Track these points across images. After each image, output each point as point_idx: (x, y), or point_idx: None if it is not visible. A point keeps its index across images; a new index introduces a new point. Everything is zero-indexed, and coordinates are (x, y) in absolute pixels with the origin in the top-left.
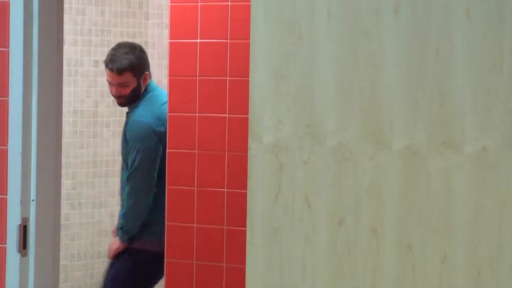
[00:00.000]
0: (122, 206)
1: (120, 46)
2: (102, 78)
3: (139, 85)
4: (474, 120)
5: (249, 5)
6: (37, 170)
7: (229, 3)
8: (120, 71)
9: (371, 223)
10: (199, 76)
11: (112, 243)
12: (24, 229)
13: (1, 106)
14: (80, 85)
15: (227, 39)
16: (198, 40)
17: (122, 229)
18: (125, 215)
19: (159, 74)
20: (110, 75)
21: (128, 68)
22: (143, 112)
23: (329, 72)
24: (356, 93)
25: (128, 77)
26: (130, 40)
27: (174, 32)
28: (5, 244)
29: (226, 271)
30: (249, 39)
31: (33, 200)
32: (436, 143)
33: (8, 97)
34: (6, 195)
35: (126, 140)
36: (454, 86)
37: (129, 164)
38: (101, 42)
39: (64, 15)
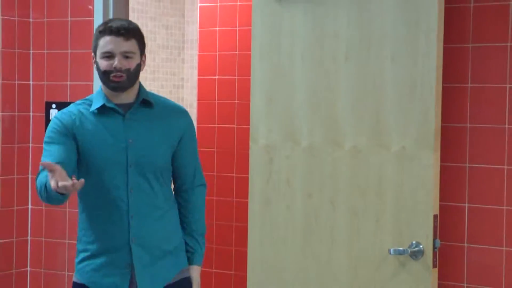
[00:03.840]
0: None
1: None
2: None
3: (139, 65)
4: (397, 129)
5: (250, 54)
6: None
7: (237, 52)
8: (127, 35)
9: (330, 197)
10: (217, 100)
11: (195, 277)
12: None
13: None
14: None
15: (235, 76)
16: (217, 77)
17: (202, 248)
18: (202, 230)
19: (191, 99)
20: (112, 42)
21: (136, 33)
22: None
23: (303, 97)
24: (321, 112)
25: (134, 46)
26: (170, 77)
27: (201, 71)
28: None
29: (235, 228)
30: (250, 76)
31: None
32: (373, 145)
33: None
34: None
35: (181, 135)
36: (385, 107)
37: (194, 169)
38: (151, 78)
39: None
